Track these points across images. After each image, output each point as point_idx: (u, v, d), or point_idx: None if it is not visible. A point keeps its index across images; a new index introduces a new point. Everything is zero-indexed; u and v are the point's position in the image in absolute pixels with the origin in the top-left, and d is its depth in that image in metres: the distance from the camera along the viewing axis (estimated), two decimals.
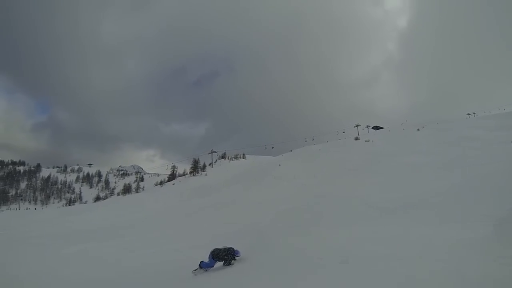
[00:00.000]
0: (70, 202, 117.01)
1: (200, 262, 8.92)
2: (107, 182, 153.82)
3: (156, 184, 79.23)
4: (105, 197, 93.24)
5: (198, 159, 70.03)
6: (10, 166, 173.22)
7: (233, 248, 9.03)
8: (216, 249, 8.97)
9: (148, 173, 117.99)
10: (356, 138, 55.10)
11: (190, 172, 67.72)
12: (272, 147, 76.01)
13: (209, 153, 73.55)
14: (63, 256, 15.57)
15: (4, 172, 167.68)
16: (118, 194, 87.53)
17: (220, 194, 36.89)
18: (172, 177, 75.02)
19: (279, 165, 43.59)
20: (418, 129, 48.87)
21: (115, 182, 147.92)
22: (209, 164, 71.71)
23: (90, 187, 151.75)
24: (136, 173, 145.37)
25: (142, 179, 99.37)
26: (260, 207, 22.73)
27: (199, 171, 66.55)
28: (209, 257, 8.89)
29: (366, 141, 49.41)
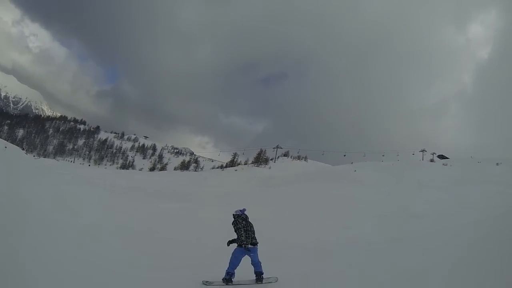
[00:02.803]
0: (125, 167, 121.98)
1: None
2: (160, 157, 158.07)
3: (213, 168, 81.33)
4: (160, 169, 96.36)
5: (265, 150, 71.23)
6: (72, 123, 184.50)
7: None
8: None
9: (202, 157, 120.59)
10: (432, 160, 54.45)
11: (254, 162, 68.69)
12: (344, 155, 77.67)
13: (274, 148, 74.43)
14: (167, 211, 16.21)
15: (66, 127, 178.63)
16: (174, 169, 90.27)
17: (293, 187, 36.93)
18: (231, 164, 76.63)
19: (355, 170, 43.45)
20: (497, 164, 46.59)
21: (169, 159, 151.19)
22: (271, 159, 72.40)
23: (143, 158, 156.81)
24: (191, 154, 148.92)
25: (196, 161, 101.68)
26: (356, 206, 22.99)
27: (262, 163, 67.44)
28: None
29: (444, 165, 48.30)
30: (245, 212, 7.15)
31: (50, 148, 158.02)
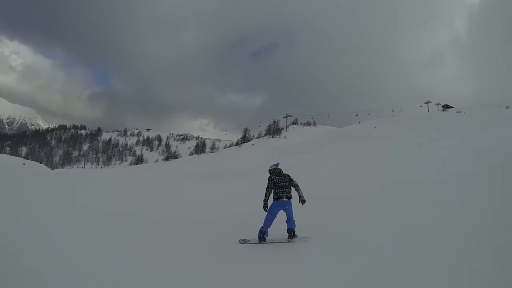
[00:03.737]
0: (138, 162, 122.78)
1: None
2: (168, 146, 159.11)
3: (226, 146, 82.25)
4: (173, 157, 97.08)
5: (278, 120, 72.17)
6: (72, 130, 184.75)
7: None
8: None
9: (209, 139, 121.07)
10: (444, 110, 55.31)
11: (267, 134, 69.62)
12: (356, 115, 77.70)
13: (284, 117, 75.33)
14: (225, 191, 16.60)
15: (68, 135, 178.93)
16: (190, 154, 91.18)
17: (319, 152, 37.44)
18: (243, 140, 77.31)
19: (375, 127, 43.88)
20: (507, 107, 47.48)
21: (176, 146, 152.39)
22: (282, 129, 73.11)
23: (151, 150, 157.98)
24: (197, 137, 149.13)
25: (204, 144, 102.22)
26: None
27: (275, 134, 68.32)
28: None
29: (457, 112, 49.02)
30: (279, 166, 7.15)
31: (57, 158, 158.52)
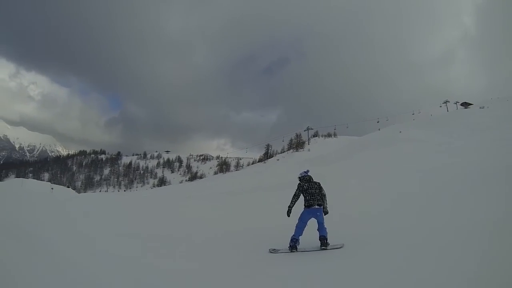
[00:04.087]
0: (161, 184, 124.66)
1: None
2: (189, 167, 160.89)
3: (253, 163, 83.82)
4: (198, 178, 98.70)
5: (300, 134, 73.45)
6: (92, 155, 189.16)
7: None
8: None
9: (229, 157, 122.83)
10: (466, 107, 55.63)
11: (292, 148, 70.92)
12: (378, 121, 77.06)
13: (305, 130, 76.62)
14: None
15: (88, 160, 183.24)
16: (215, 173, 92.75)
17: (349, 161, 36.23)
18: (266, 156, 78.72)
19: (400, 132, 43.50)
20: None
21: (197, 167, 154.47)
22: (304, 142, 74.43)
23: (172, 172, 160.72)
24: (217, 157, 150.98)
25: (225, 163, 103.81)
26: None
27: (298, 147, 69.64)
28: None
29: (481, 108, 49.02)
30: (309, 173, 7.17)
31: (79, 183, 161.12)
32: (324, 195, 6.78)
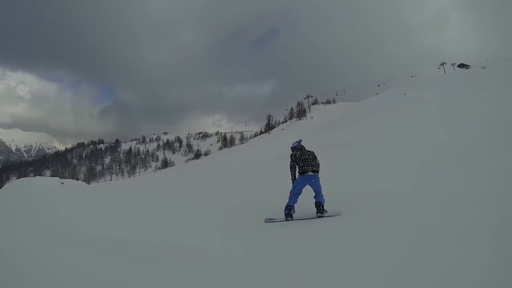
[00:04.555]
0: (164, 166, 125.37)
1: None
2: (189, 146, 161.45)
3: (255, 135, 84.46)
4: (203, 155, 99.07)
5: (302, 102, 73.77)
6: (91, 146, 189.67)
7: None
8: None
9: (229, 132, 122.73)
10: (461, 66, 55.54)
11: (296, 116, 71.43)
12: (378, 85, 76.97)
13: (304, 98, 77.06)
14: None
15: (88, 151, 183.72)
16: (220, 148, 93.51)
17: (361, 125, 34.00)
18: (268, 127, 79.23)
19: (405, 94, 42.75)
20: None
21: (198, 145, 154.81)
22: (304, 110, 74.74)
23: (173, 153, 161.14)
24: (217, 133, 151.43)
25: (225, 138, 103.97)
26: None
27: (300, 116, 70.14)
28: None
29: (482, 68, 48.85)
30: (301, 143, 6.90)
31: (81, 176, 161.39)
32: (318, 165, 6.51)
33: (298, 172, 6.37)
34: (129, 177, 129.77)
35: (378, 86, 76.78)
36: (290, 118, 76.40)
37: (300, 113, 72.86)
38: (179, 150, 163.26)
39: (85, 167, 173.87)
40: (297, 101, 76.47)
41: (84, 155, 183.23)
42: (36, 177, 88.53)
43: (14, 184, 69.49)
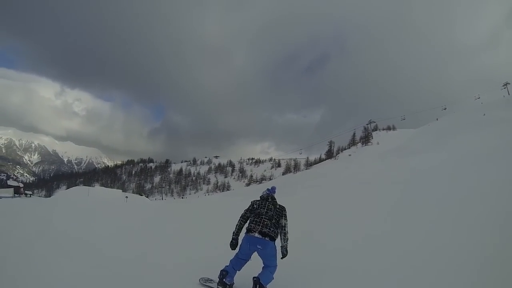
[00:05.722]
0: (223, 189, 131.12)
1: None
2: (242, 171, 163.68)
3: (315, 162, 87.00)
4: (257, 181, 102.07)
5: (368, 127, 77.22)
6: (141, 164, 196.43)
7: None
8: None
9: (282, 159, 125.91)
10: None
11: (361, 143, 74.41)
12: (445, 108, 74.90)
13: (367, 124, 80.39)
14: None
15: (137, 169, 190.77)
16: (283, 174, 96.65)
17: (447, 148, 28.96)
18: (330, 153, 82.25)
19: (484, 114, 39.64)
20: None
21: (251, 170, 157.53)
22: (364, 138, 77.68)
23: (225, 177, 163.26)
24: (270, 159, 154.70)
25: (279, 165, 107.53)
26: None
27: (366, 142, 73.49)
28: None
29: None
30: (274, 193, 5.08)
31: (130, 192, 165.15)
32: (285, 227, 4.62)
33: (246, 228, 4.68)
34: (182, 197, 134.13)
35: (445, 109, 74.29)
36: (354, 144, 79.34)
37: (366, 138, 75.30)
38: (232, 175, 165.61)
39: (134, 183, 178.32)
40: (364, 126, 79.49)
41: (133, 172, 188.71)
42: (95, 187, 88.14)
43: (70, 192, 63.73)
